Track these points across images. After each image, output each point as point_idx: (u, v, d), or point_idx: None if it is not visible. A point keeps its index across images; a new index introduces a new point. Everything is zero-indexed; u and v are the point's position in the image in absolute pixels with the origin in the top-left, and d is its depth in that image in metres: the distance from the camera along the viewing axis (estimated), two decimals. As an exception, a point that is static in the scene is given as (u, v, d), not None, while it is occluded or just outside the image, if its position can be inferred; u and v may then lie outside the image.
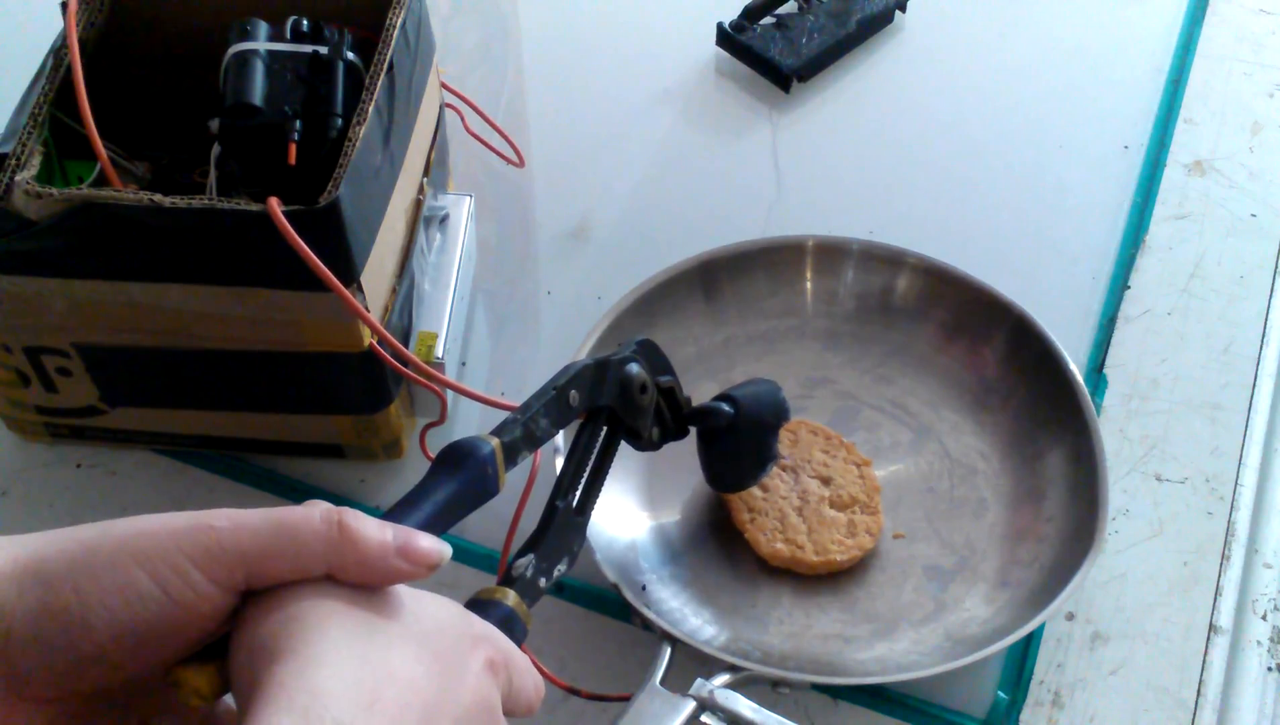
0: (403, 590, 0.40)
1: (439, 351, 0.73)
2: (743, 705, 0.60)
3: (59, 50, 0.67)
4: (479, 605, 0.47)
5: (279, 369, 0.68)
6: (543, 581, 0.50)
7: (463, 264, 0.78)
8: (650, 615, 0.64)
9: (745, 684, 0.62)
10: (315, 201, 0.60)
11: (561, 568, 0.52)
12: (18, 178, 0.61)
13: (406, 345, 0.72)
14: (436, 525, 0.44)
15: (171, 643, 0.37)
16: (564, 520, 0.53)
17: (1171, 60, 0.99)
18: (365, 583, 0.39)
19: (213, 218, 0.60)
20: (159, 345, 0.67)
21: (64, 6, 0.67)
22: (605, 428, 0.58)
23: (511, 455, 0.50)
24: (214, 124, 0.67)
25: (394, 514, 0.44)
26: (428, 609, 0.40)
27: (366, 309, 0.63)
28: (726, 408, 0.67)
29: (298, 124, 0.65)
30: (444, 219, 0.79)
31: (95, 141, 0.63)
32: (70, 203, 0.60)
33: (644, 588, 0.68)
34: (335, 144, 0.64)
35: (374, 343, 0.66)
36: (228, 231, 0.61)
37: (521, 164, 0.89)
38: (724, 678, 0.61)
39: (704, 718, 0.60)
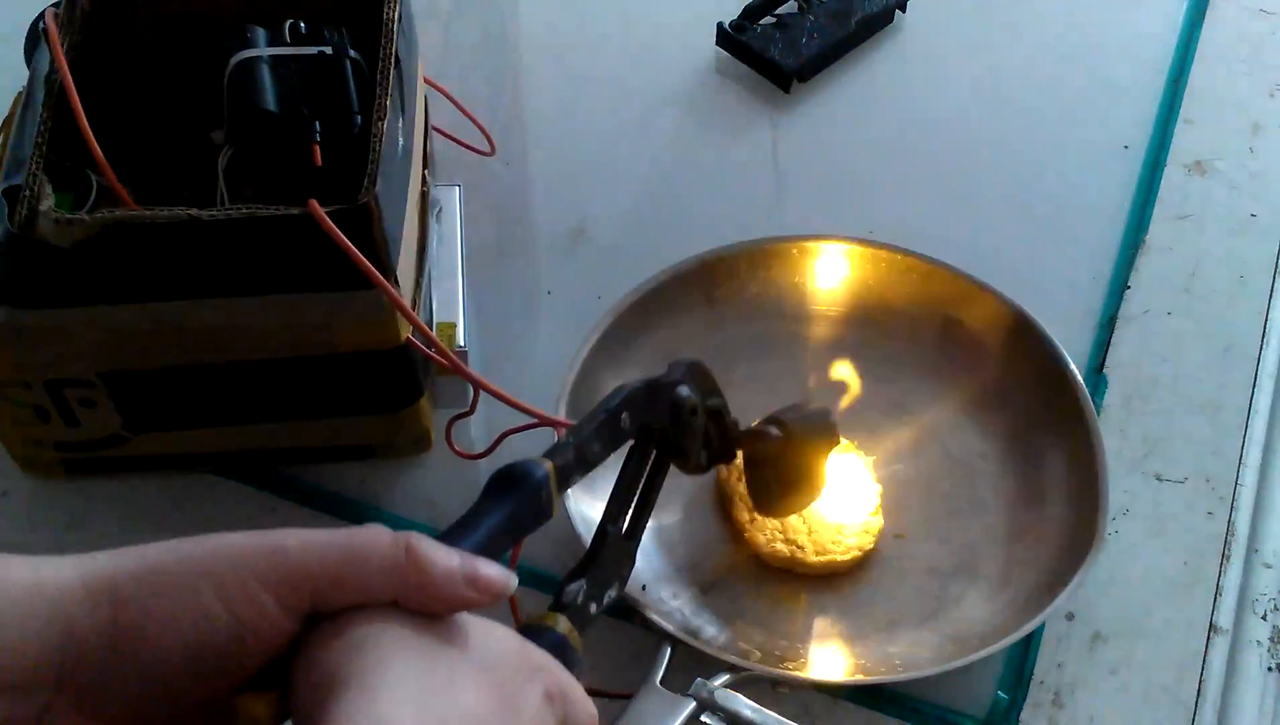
0: (465, 618, 0.39)
1: (460, 340, 0.72)
2: (743, 705, 0.60)
3: (48, 76, 0.65)
4: (530, 631, 0.46)
5: (311, 374, 0.67)
6: (593, 607, 0.50)
7: (462, 254, 0.78)
8: (650, 615, 0.64)
9: (745, 684, 0.62)
10: (342, 201, 0.59)
11: (612, 593, 0.51)
12: (41, 207, 0.59)
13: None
14: (492, 550, 0.43)
15: (235, 667, 0.37)
16: (614, 545, 0.53)
17: (1171, 60, 0.99)
18: (431, 610, 0.38)
19: (253, 226, 0.59)
20: (187, 363, 0.65)
21: (44, 32, 0.65)
22: (655, 451, 0.57)
23: (565, 478, 0.49)
24: (218, 135, 0.66)
25: (449, 538, 0.42)
26: (489, 637, 0.40)
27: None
28: (775, 431, 0.65)
29: (317, 125, 0.65)
30: (439, 211, 0.79)
31: (103, 163, 0.62)
32: (103, 225, 0.58)
33: (644, 587, 0.68)
34: (357, 141, 0.64)
35: (410, 336, 0.65)
36: (265, 239, 0.60)
37: (492, 152, 0.88)
38: (724, 678, 0.61)
39: (704, 718, 0.60)
